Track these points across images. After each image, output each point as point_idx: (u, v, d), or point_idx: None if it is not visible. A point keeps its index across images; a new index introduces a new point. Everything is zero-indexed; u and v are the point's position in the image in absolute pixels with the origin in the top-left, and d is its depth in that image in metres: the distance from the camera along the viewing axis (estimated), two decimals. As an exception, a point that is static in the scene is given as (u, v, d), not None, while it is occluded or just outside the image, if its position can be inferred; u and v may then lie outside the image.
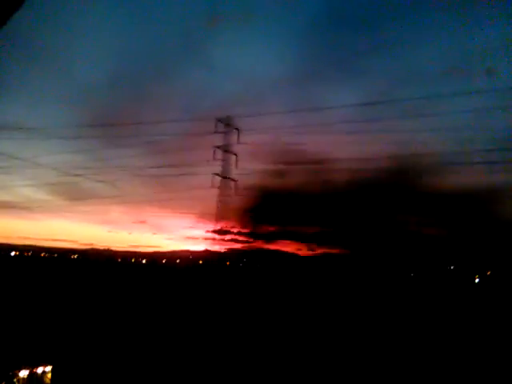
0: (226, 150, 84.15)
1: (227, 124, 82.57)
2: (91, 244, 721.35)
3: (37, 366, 15.99)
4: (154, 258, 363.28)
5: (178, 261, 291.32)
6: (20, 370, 15.69)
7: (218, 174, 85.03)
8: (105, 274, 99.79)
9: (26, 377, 15.51)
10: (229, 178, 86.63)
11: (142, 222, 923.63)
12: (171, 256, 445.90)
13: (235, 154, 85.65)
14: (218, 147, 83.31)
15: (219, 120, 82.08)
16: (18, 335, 20.80)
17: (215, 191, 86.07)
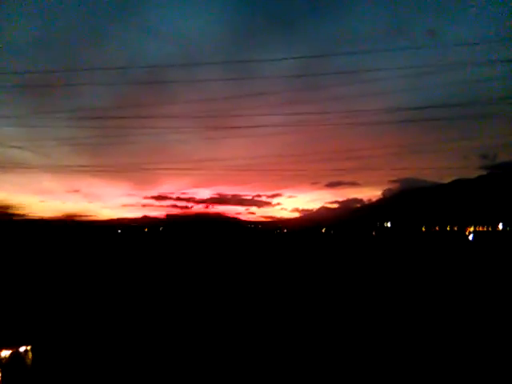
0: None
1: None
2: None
3: (18, 346, 16.19)
4: (92, 226, 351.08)
5: (119, 230, 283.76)
6: (1, 350, 15.83)
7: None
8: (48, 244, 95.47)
9: (8, 356, 15.70)
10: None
11: (76, 191, 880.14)
12: (109, 224, 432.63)
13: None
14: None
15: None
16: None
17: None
